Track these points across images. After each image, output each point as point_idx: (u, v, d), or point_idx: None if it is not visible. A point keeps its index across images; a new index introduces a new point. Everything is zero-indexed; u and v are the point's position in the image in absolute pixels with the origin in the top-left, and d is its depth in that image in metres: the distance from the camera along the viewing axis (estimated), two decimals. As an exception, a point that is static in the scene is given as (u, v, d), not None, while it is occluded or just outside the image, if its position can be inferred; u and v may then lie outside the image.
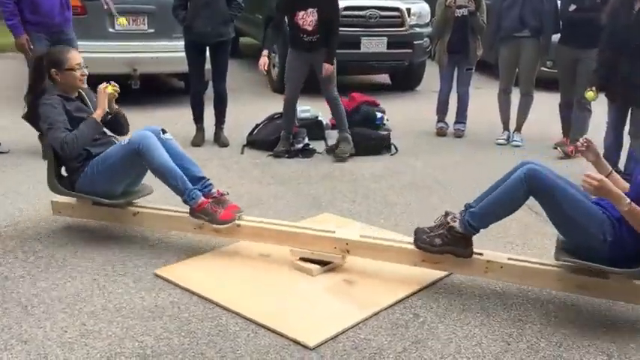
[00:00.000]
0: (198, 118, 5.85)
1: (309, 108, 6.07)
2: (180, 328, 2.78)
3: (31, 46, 5.07)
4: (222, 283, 3.17)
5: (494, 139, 6.20)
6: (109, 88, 3.62)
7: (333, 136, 5.83)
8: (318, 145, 5.69)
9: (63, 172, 3.73)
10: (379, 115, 6.40)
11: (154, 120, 5.89)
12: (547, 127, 6.46)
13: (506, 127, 6.26)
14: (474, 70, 6.44)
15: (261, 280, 3.23)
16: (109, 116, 3.77)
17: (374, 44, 7.72)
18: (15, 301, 2.97)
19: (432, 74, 7.51)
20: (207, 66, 5.77)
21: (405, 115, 7.06)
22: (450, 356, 2.65)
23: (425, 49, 8.11)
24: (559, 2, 5.81)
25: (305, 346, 2.66)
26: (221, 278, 3.23)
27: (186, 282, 3.16)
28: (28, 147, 5.32)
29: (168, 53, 6.70)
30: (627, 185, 2.97)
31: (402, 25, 7.83)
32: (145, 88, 6.94)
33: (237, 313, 2.89)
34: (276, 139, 5.60)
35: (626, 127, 4.88)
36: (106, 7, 6.17)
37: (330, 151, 5.58)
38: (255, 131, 5.90)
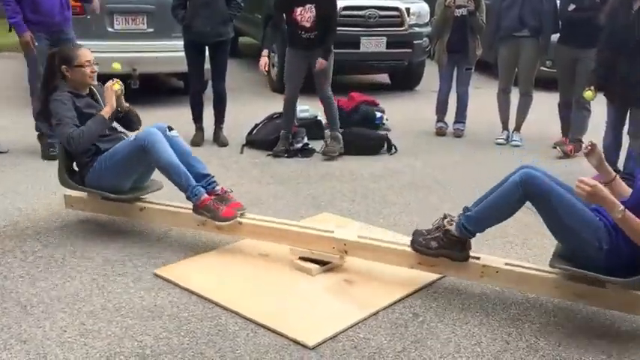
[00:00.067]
0: (198, 118, 5.85)
1: (308, 108, 6.06)
2: (180, 328, 2.78)
3: (35, 44, 5.07)
4: (221, 283, 3.17)
5: (493, 138, 6.20)
6: (116, 86, 3.66)
7: (332, 136, 5.84)
8: (318, 145, 5.68)
9: (74, 166, 3.78)
10: (378, 114, 6.41)
11: (154, 120, 5.86)
12: (546, 127, 6.46)
13: (505, 127, 6.26)
14: (473, 70, 6.43)
15: (261, 280, 3.23)
16: (121, 114, 3.83)
17: (373, 44, 7.71)
18: (14, 301, 2.97)
19: (431, 74, 7.50)
20: (207, 66, 5.77)
21: (404, 114, 7.05)
22: (450, 355, 2.65)
23: (424, 48, 8.10)
24: (558, 2, 5.81)
25: (304, 346, 2.66)
26: (220, 278, 3.24)
27: (185, 282, 3.16)
28: (27, 147, 5.32)
29: (168, 53, 6.69)
30: (630, 190, 2.86)
31: (401, 24, 7.83)
32: (145, 88, 6.93)
33: (236, 313, 2.89)
34: (276, 138, 5.59)
35: (626, 127, 4.88)
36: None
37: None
38: (255, 131, 5.89)
